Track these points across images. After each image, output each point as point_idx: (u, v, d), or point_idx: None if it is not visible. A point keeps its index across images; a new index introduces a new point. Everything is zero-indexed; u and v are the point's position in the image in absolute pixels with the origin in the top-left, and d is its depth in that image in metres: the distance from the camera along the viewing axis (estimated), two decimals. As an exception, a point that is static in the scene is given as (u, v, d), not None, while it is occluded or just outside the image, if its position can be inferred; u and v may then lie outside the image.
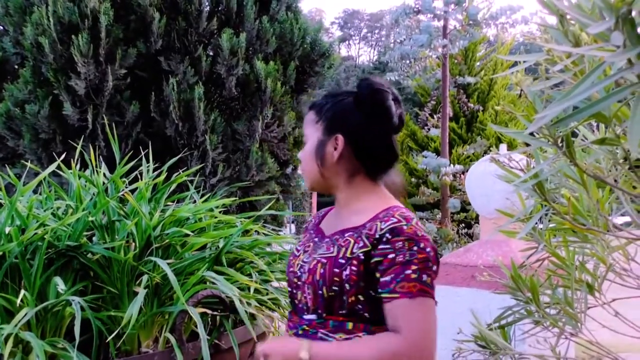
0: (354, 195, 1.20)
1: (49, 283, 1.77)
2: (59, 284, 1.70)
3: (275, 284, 2.27)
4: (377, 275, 1.07)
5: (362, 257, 1.08)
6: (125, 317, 1.65)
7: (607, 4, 0.54)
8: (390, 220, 1.09)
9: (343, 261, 1.10)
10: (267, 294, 2.21)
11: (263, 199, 4.37)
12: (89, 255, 1.91)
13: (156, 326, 2.00)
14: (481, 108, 11.20)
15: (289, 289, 1.25)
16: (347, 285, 1.08)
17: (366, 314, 1.09)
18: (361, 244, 1.10)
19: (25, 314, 1.60)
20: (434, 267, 1.08)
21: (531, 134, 0.88)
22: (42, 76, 4.24)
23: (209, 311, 1.87)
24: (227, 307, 1.93)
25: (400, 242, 1.06)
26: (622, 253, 1.44)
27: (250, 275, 2.21)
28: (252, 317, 1.99)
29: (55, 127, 4.19)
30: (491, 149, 10.07)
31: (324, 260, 1.12)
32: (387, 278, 1.06)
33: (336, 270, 1.09)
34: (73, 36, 3.97)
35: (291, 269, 1.23)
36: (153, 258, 1.88)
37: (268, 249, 2.56)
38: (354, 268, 1.08)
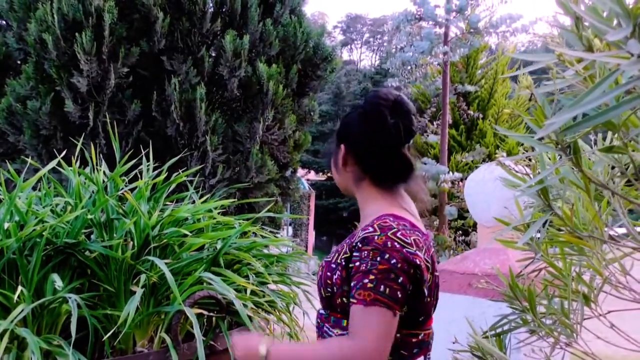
0: (363, 200, 1.30)
1: (46, 280, 1.77)
2: (56, 280, 1.70)
3: (272, 286, 2.27)
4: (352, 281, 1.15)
5: (344, 263, 1.17)
6: (122, 315, 1.65)
7: (625, 11, 0.54)
8: (367, 229, 1.16)
9: (334, 266, 1.20)
10: (263, 296, 2.21)
11: (262, 200, 4.38)
12: (87, 253, 1.91)
13: (152, 326, 2.00)
14: (481, 116, 11.23)
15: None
16: (335, 288, 1.17)
17: None
18: (344, 250, 1.19)
19: (22, 310, 1.60)
20: (400, 279, 1.10)
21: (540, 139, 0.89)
22: (45, 72, 4.24)
23: (205, 312, 1.87)
24: (223, 308, 1.93)
25: (366, 252, 1.12)
26: (618, 266, 1.45)
27: (247, 277, 2.21)
28: (249, 319, 1.99)
29: (56, 123, 4.19)
30: (492, 156, 10.08)
31: (323, 264, 1.24)
32: (352, 283, 1.13)
33: (328, 274, 1.20)
34: (77, 33, 3.98)
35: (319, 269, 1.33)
36: (151, 257, 1.88)
37: (265, 251, 2.56)
38: (339, 273, 1.17)
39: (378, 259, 1.10)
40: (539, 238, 1.45)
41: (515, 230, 1.43)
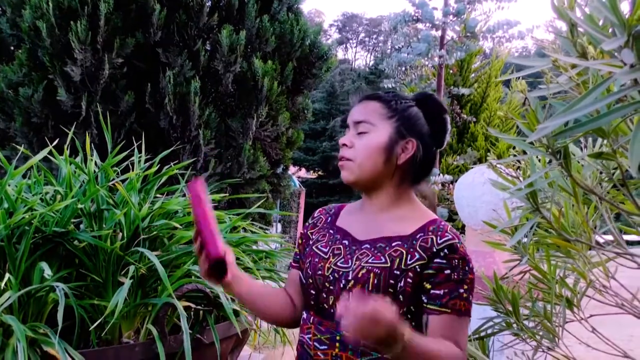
0: (394, 200, 1.19)
1: (34, 268, 1.77)
2: (45, 269, 1.70)
3: (260, 282, 2.28)
4: (428, 286, 1.08)
5: (418, 270, 1.09)
6: (110, 306, 1.65)
7: (620, 20, 0.55)
8: (446, 236, 1.11)
9: (398, 272, 1.09)
10: (251, 291, 2.22)
11: (253, 196, 4.38)
12: (76, 242, 1.91)
13: (138, 317, 2.01)
14: (474, 119, 11.30)
15: (311, 291, 1.19)
16: (400, 297, 1.08)
17: (413, 323, 1.09)
18: (417, 256, 1.10)
19: (9, 298, 1.60)
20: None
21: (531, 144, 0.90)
22: (38, 60, 4.21)
23: (192, 305, 1.88)
24: (211, 302, 1.94)
25: (456, 260, 1.08)
26: (602, 270, 1.47)
27: (235, 271, 2.22)
28: (236, 313, 2.00)
29: (48, 112, 4.16)
30: (482, 160, 10.14)
31: (378, 271, 1.09)
32: (440, 292, 1.07)
33: (392, 281, 1.08)
34: (72, 22, 3.95)
35: (319, 272, 1.18)
36: (140, 249, 1.88)
37: (255, 247, 2.57)
38: (409, 280, 1.08)
39: (467, 268, 1.09)
40: (525, 241, 1.47)
41: (502, 233, 1.45)
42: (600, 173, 1.11)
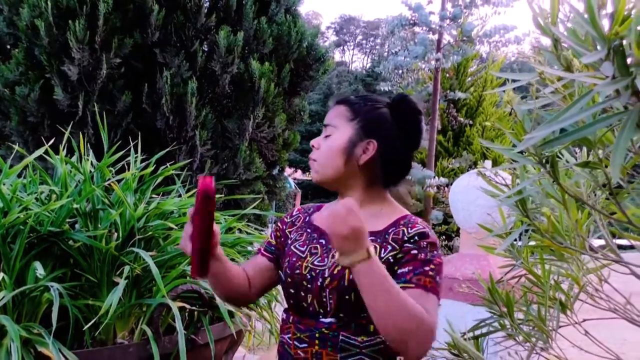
0: (366, 199, 1.22)
1: (29, 268, 1.76)
2: (38, 269, 1.69)
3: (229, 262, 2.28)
4: (395, 268, 1.10)
5: (392, 260, 1.11)
6: (104, 306, 1.65)
7: (600, 35, 0.56)
8: (417, 227, 1.14)
9: None
10: (246, 292, 2.22)
11: (248, 197, 4.38)
12: (71, 242, 1.91)
13: (133, 318, 2.00)
14: (470, 123, 11.33)
15: (290, 290, 1.22)
16: None
17: None
18: (389, 248, 1.13)
19: (2, 297, 1.60)
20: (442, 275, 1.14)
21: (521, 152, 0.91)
22: (35, 59, 4.20)
23: (187, 306, 1.88)
24: (205, 302, 1.94)
25: (425, 243, 1.12)
26: (596, 275, 1.48)
27: (231, 272, 2.22)
28: (230, 314, 2.00)
29: (44, 111, 4.15)
30: (477, 163, 10.17)
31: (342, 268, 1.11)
32: (405, 269, 1.09)
33: None
34: (70, 21, 3.94)
35: (297, 272, 1.20)
36: (135, 249, 1.88)
37: (250, 248, 2.57)
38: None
39: (435, 253, 1.11)
40: (520, 245, 1.48)
41: (497, 237, 1.46)
42: (597, 179, 1.12)
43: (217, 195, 2.84)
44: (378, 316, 0.98)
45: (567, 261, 1.32)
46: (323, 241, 1.23)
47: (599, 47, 0.57)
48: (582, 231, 1.21)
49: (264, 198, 5.13)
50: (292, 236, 1.30)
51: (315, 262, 1.19)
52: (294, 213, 1.37)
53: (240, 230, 2.66)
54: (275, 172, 5.45)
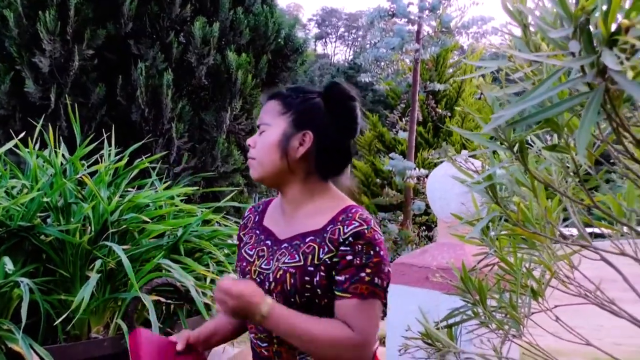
0: (306, 194, 1.20)
1: (-2, 263, 1.73)
2: (8, 264, 1.66)
3: (233, 275, 2.27)
4: (333, 273, 1.10)
5: (329, 262, 1.10)
6: (76, 301, 1.63)
7: (567, 13, 0.56)
8: (352, 224, 1.12)
9: (312, 269, 1.11)
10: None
11: (227, 190, 4.35)
12: (43, 237, 1.87)
13: (108, 312, 1.98)
14: (449, 114, 11.40)
15: None
16: (318, 291, 1.10)
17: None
18: (326, 249, 1.12)
19: (-29, 293, 1.56)
20: (386, 269, 1.12)
21: (491, 138, 0.91)
22: (5, 51, 4.10)
23: (162, 299, 1.86)
24: (181, 296, 1.92)
25: (360, 246, 1.10)
26: (567, 262, 1.50)
27: (207, 265, 2.20)
28: (207, 307, 1.99)
29: (15, 103, 4.06)
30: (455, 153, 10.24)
31: (293, 270, 1.12)
32: (342, 278, 1.09)
33: (307, 278, 1.10)
34: (40, 12, 3.86)
35: (247, 276, 1.21)
36: (108, 243, 1.85)
37: (230, 241, 2.55)
38: (322, 274, 1.10)
39: (371, 252, 1.10)
40: (493, 234, 1.49)
41: (471, 225, 1.47)
42: (568, 167, 1.13)
43: (194, 188, 2.79)
44: (303, 350, 1.11)
45: (537, 249, 1.33)
46: (269, 242, 1.22)
47: (566, 25, 0.57)
48: (552, 218, 1.22)
49: (243, 191, 5.10)
50: (244, 239, 1.30)
51: (263, 266, 1.19)
52: (246, 214, 1.36)
53: (219, 224, 2.64)
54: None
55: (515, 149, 0.79)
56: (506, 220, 1.34)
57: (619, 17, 0.53)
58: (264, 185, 1.28)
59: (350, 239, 1.10)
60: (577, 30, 0.53)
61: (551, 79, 0.57)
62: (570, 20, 0.53)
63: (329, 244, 1.12)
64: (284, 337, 1.10)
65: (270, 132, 1.19)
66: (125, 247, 1.90)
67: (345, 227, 1.12)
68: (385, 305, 1.15)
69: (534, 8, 0.73)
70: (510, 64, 0.82)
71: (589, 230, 1.41)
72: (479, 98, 12.48)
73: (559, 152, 0.80)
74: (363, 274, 1.08)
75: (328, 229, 1.14)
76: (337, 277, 1.09)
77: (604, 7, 0.52)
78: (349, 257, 1.09)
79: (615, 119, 0.59)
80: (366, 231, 1.11)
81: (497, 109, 0.80)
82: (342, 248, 1.10)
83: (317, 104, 1.20)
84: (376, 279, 1.09)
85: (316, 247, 1.13)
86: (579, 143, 0.51)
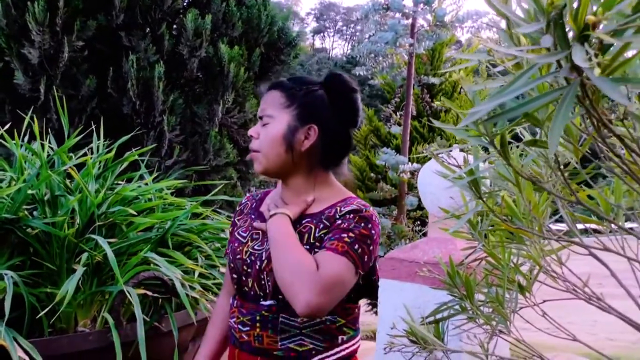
0: (309, 184, 1.22)
1: (-18, 256, 1.71)
2: (-8, 257, 1.64)
3: (222, 269, 2.26)
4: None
5: (324, 237, 1.13)
6: (60, 293, 1.61)
7: (539, 7, 0.56)
8: (351, 205, 1.15)
9: (307, 247, 1.12)
10: (213, 278, 2.20)
11: (219, 183, 4.33)
12: (29, 229, 1.85)
13: (95, 306, 1.97)
14: (442, 108, 11.39)
15: (233, 275, 1.24)
16: None
17: None
18: (321, 226, 1.15)
19: (-46, 287, 1.55)
20: (372, 247, 1.13)
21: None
22: (-7, 41, 4.06)
23: (149, 293, 1.84)
24: (169, 289, 1.91)
25: (352, 216, 1.13)
26: (555, 257, 1.49)
27: (196, 259, 2.19)
28: (195, 301, 1.97)
29: (4, 95, 4.02)
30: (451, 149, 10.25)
31: None
32: (327, 237, 1.12)
33: None
34: (29, 2, 3.81)
35: (238, 257, 1.21)
36: (94, 236, 1.84)
37: (222, 235, 2.54)
38: (317, 250, 1.12)
39: (362, 224, 1.12)
40: (481, 228, 1.49)
41: (458, 219, 1.46)
42: (556, 162, 1.12)
43: (183, 181, 2.78)
44: (275, 265, 1.10)
45: (525, 244, 1.33)
46: (265, 226, 1.23)
47: (540, 19, 0.56)
48: (538, 213, 1.21)
49: (236, 184, 5.08)
50: (238, 223, 1.31)
51: (256, 247, 1.20)
52: (243, 201, 1.38)
53: (211, 218, 2.63)
54: (247, 157, 5.40)
55: (496, 143, 0.78)
56: (495, 216, 1.33)
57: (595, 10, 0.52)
58: (265, 177, 1.31)
59: (347, 214, 1.13)
60: (550, 24, 0.52)
61: (528, 73, 0.56)
62: (543, 15, 0.53)
63: (325, 222, 1.15)
64: (272, 240, 1.13)
65: (274, 125, 1.19)
66: (112, 240, 1.88)
67: (343, 207, 1.16)
68: (376, 299, 1.16)
69: (517, 2, 0.72)
70: (491, 57, 0.81)
71: (583, 225, 1.41)
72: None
73: (539, 147, 0.79)
74: (344, 235, 1.10)
75: (326, 212, 1.17)
76: (325, 241, 1.12)
77: (575, 4, 0.52)
78: (338, 222, 1.13)
79: (594, 114, 0.58)
80: (364, 210, 1.14)
81: (477, 102, 0.79)
82: (337, 221, 1.13)
83: (321, 96, 1.21)
84: (357, 245, 1.10)
85: (312, 227, 1.15)
86: (551, 138, 0.50)
